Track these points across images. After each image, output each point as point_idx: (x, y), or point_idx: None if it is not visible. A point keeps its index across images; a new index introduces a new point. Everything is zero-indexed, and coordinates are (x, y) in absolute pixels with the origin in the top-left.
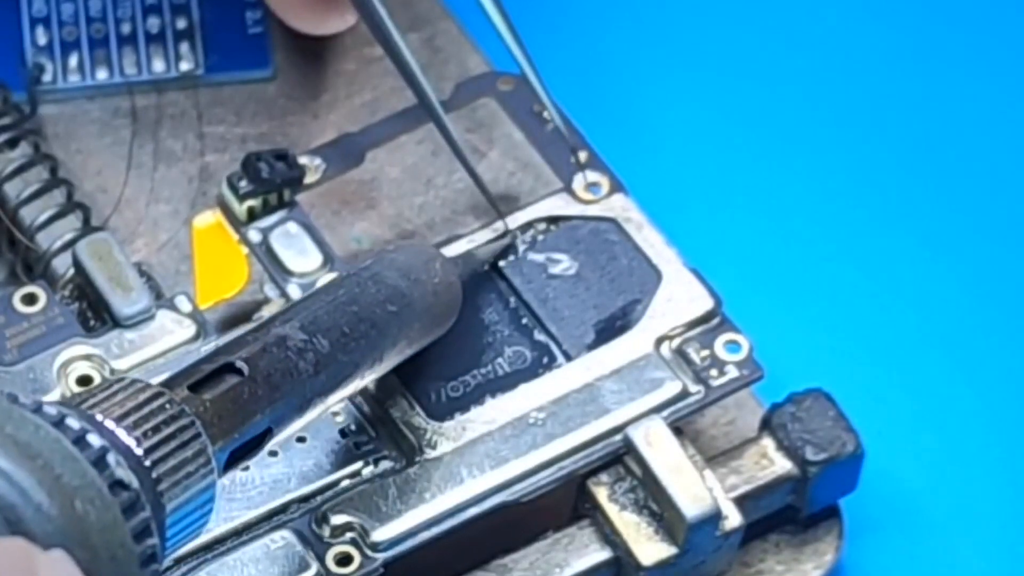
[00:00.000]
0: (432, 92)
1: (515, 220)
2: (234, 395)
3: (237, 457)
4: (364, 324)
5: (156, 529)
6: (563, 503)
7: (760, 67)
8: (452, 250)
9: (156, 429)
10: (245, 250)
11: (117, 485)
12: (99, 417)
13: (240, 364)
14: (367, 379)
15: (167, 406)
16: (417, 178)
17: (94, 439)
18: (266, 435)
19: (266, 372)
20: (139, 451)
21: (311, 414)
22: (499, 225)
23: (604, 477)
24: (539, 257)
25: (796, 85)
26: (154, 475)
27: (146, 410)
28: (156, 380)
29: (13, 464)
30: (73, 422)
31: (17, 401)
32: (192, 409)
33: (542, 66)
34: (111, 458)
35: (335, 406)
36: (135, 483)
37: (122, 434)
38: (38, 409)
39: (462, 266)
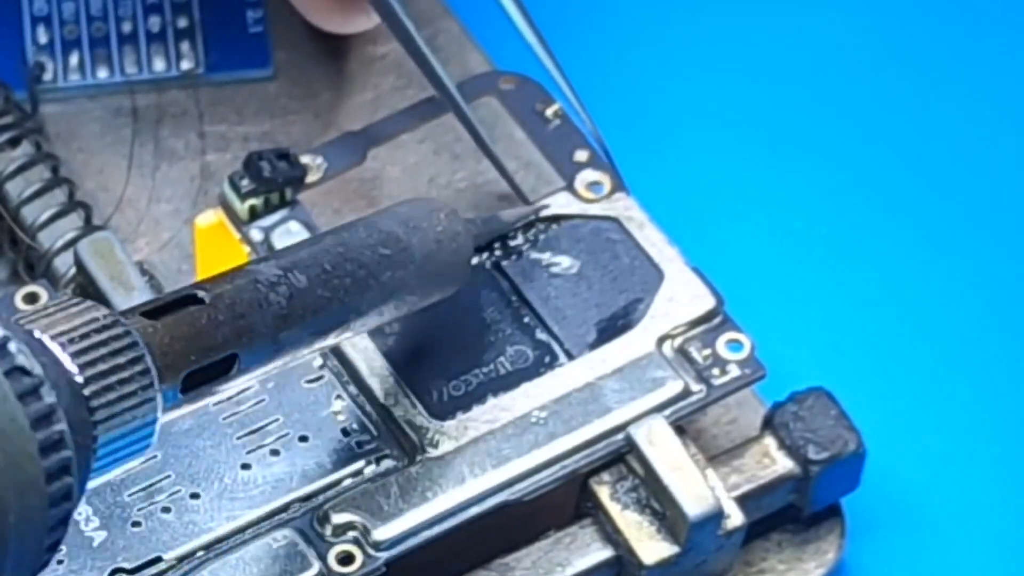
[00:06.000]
0: (453, 86)
1: None
2: (190, 319)
3: (199, 382)
4: (351, 264)
5: (73, 442)
6: (565, 502)
7: (762, 67)
8: None
9: (95, 346)
10: (247, 249)
11: (18, 371)
12: (37, 333)
13: (202, 294)
14: (363, 323)
15: (102, 318)
16: (419, 177)
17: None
18: (232, 362)
19: (229, 300)
20: (73, 367)
21: (296, 350)
22: None
23: (606, 476)
24: (541, 256)
25: (798, 85)
26: (87, 392)
27: (87, 328)
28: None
29: None
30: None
31: None
32: (141, 330)
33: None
34: (12, 346)
35: (338, 404)
36: (37, 369)
37: (56, 349)
38: None
39: (481, 226)
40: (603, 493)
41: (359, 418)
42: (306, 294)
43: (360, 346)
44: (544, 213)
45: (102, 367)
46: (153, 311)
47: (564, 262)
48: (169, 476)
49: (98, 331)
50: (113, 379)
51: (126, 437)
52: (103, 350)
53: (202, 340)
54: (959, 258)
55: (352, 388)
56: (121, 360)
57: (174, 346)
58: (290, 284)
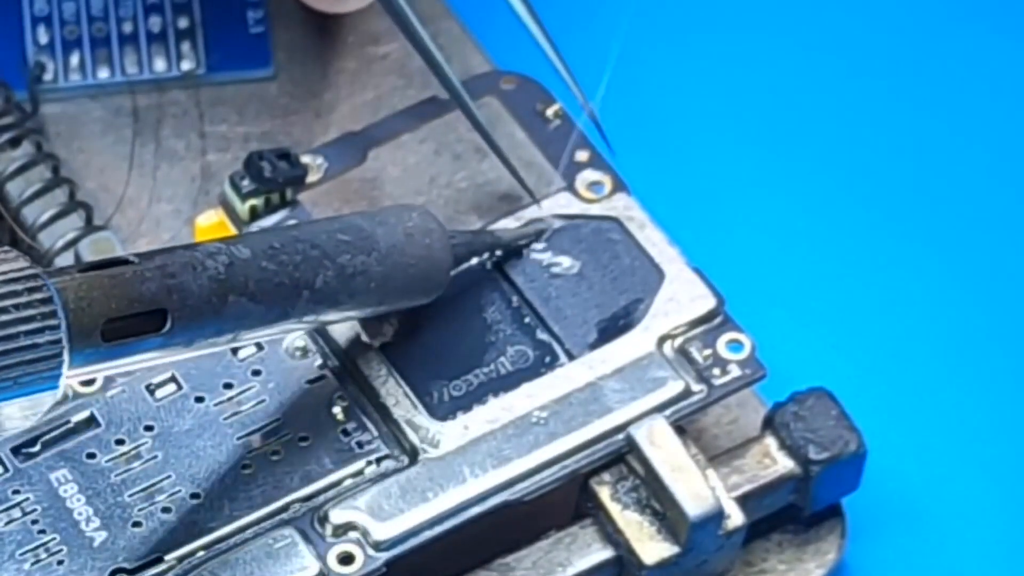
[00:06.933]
0: (457, 79)
1: (518, 219)
2: (115, 272)
3: (126, 333)
4: (302, 244)
5: None
6: (565, 502)
7: (763, 67)
8: None
9: (3, 294)
10: None
11: None
12: None
13: (133, 258)
14: (328, 307)
15: (18, 268)
16: (419, 177)
17: None
18: (163, 318)
19: (160, 262)
20: None
21: (248, 322)
22: (504, 223)
23: (606, 476)
24: (541, 256)
25: (799, 86)
26: None
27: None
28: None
29: None
30: None
31: None
32: (60, 282)
33: (545, 65)
34: None
35: (338, 404)
36: None
37: None
38: None
39: (472, 238)
40: (604, 493)
41: (359, 418)
42: (247, 264)
43: (360, 346)
44: (540, 226)
45: (2, 304)
46: (83, 269)
47: (565, 262)
48: (169, 476)
49: (6, 276)
50: (12, 318)
51: (28, 376)
52: (9, 291)
53: (124, 291)
54: (959, 258)
55: (352, 388)
56: (25, 300)
57: (92, 293)
58: (230, 254)
